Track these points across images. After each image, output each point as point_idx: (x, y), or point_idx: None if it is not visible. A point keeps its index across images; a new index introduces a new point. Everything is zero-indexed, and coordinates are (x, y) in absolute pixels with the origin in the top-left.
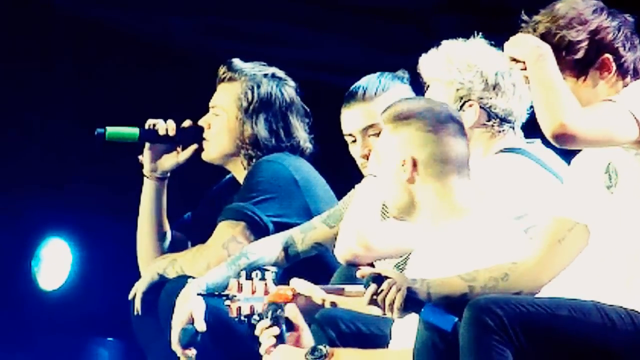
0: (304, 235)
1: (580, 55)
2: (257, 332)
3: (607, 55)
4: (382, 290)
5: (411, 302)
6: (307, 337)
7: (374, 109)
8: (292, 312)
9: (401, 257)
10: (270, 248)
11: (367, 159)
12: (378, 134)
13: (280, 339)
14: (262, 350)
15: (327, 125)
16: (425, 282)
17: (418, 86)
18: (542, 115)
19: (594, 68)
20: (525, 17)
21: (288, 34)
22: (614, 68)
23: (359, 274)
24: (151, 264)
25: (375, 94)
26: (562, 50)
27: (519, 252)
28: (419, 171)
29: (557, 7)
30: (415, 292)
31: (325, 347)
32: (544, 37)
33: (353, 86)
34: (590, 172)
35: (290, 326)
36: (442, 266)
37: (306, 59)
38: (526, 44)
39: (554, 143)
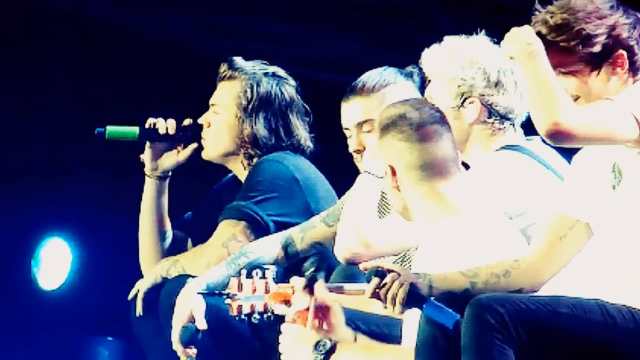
0: (303, 234)
1: (596, 49)
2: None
3: (621, 51)
4: (384, 284)
5: (413, 296)
6: (338, 322)
7: (372, 104)
8: (320, 291)
9: (398, 254)
10: (269, 247)
11: (360, 154)
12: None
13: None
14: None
15: (328, 124)
16: (427, 277)
17: (423, 83)
18: (535, 113)
19: (608, 63)
20: (538, 7)
21: (288, 32)
22: (627, 65)
23: (361, 266)
24: (155, 266)
25: (374, 89)
26: (579, 43)
27: (512, 249)
28: (400, 179)
29: (573, 0)
30: (417, 286)
31: (330, 340)
32: (559, 28)
33: (355, 80)
34: (596, 170)
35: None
36: (436, 264)
37: (307, 57)
38: (518, 41)
39: (548, 141)
